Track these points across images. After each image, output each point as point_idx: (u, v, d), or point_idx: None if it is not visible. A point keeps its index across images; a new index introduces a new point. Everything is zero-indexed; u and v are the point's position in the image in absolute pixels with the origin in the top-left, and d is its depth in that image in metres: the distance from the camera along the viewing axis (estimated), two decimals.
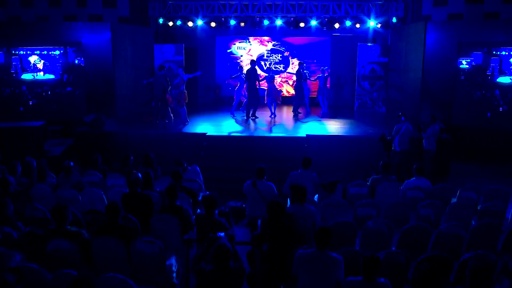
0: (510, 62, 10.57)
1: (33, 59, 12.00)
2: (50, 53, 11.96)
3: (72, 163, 6.59)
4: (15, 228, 4.84)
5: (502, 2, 12.92)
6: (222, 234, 4.18)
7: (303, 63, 13.22)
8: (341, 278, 3.86)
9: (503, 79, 10.65)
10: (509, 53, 10.54)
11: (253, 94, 12.03)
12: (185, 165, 7.09)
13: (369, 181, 6.75)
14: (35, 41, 12.04)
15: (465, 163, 10.20)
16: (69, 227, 4.67)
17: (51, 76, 11.97)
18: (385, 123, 11.57)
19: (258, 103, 12.38)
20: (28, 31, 12.38)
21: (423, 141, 9.13)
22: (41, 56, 11.92)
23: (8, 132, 9.91)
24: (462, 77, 10.90)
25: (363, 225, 5.05)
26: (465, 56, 10.90)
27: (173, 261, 4.99)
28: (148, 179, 5.91)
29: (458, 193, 6.32)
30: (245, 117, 12.27)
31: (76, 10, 15.00)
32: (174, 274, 5.01)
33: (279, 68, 15.85)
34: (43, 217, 5.49)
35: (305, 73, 12.98)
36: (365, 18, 14.48)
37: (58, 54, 11.95)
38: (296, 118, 12.67)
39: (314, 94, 13.82)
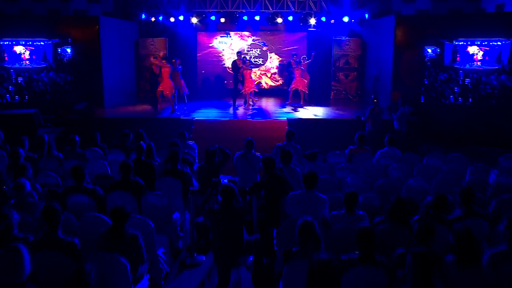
0: (466, 51, 11.67)
1: (19, 49, 12.32)
2: (38, 43, 12.32)
3: (77, 137, 7.11)
4: (35, 189, 5.39)
5: (464, 0, 14.09)
6: (225, 180, 4.87)
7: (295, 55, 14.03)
8: (327, 215, 4.60)
9: (461, 65, 11.73)
10: (466, 44, 11.61)
11: (234, 84, 12.90)
12: (187, 136, 7.78)
13: (347, 151, 7.55)
14: (23, 33, 12.36)
15: (432, 143, 11.12)
16: (86, 184, 5.26)
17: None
18: (359, 109, 12.51)
19: (237, 92, 13.25)
20: (17, 23, 12.67)
21: (394, 122, 10.05)
22: (27, 46, 12.25)
23: (3, 119, 10.28)
24: (428, 64, 11.88)
25: (341, 183, 5.83)
26: (430, 45, 11.88)
27: (177, 215, 5.65)
28: (151, 149, 6.54)
29: (424, 159, 7.18)
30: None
31: (60, 5, 15.35)
32: (179, 228, 5.68)
33: (258, 62, 16.57)
34: (55, 182, 6.04)
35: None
36: (339, 14, 15.41)
37: (46, 45, 12.31)
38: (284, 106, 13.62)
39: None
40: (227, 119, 11.32)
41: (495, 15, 13.61)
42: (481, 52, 11.53)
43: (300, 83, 13.18)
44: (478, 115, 11.36)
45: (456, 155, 7.33)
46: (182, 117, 11.16)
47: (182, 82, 12.28)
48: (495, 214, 4.75)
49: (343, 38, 15.44)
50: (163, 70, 11.74)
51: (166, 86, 11.66)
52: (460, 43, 11.74)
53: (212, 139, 10.27)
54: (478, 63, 11.52)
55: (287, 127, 10.41)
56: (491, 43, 11.41)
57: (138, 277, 3.96)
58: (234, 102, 13.43)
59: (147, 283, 4.17)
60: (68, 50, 12.40)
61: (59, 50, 12.36)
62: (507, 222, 3.52)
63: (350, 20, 15.18)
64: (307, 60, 13.40)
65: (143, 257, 3.94)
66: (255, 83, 14.35)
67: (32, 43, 12.29)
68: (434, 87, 11.84)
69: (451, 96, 11.70)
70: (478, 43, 11.49)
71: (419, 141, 10.54)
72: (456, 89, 11.68)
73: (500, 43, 11.30)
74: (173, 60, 12.26)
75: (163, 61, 12.00)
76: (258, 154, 7.01)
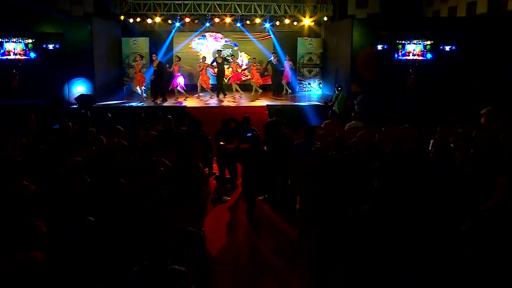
0: (406, 47, 14.15)
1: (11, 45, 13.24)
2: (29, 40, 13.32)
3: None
4: None
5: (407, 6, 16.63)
6: (249, 133, 6.66)
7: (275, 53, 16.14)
8: None
9: (404, 58, 14.24)
10: (406, 42, 14.15)
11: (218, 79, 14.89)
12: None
13: (323, 125, 9.56)
14: (18, 31, 13.36)
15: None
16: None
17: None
18: (321, 99, 14.70)
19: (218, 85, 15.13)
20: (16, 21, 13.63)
21: (355, 106, 12.20)
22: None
23: (13, 109, 11.43)
24: (379, 58, 14.19)
25: None
26: (380, 43, 14.20)
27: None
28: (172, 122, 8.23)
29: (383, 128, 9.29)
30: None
31: (45, 5, 16.27)
32: None
33: (231, 60, 18.30)
34: None
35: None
36: (301, 17, 17.53)
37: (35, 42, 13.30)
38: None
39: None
40: (214, 106, 13.07)
41: (427, 20, 16.32)
42: (418, 48, 14.13)
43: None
44: (419, 98, 13.77)
45: (405, 126, 9.49)
46: (177, 105, 12.77)
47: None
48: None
49: (306, 38, 17.54)
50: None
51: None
52: (402, 42, 14.20)
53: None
54: (416, 57, 14.09)
55: (266, 112, 12.38)
56: (423, 42, 14.05)
57: None
58: (218, 94, 15.14)
59: None
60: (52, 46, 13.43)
61: (57, 46, 13.39)
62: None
63: (310, 22, 17.36)
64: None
65: None
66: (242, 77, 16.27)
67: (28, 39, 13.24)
68: (385, 77, 14.16)
69: (398, 84, 14.12)
70: (415, 41, 14.05)
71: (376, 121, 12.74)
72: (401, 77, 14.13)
73: (429, 42, 14.02)
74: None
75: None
76: (253, 128, 8.90)
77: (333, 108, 11.92)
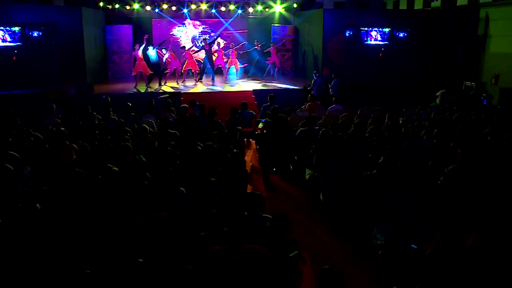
0: (370, 34, 16.02)
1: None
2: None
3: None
4: None
5: None
6: (263, 120, 8.22)
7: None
8: None
9: (369, 42, 16.11)
10: (369, 29, 16.01)
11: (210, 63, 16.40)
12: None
13: (307, 106, 11.24)
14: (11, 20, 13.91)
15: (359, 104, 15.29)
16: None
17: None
18: (294, 81, 16.53)
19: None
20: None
21: (330, 89, 13.98)
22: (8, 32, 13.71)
23: (21, 98, 12.27)
24: (348, 43, 15.95)
25: None
26: (348, 30, 15.94)
27: None
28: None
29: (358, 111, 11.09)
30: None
31: None
32: None
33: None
34: None
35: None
36: (272, 3, 18.92)
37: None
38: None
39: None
40: (207, 91, 14.42)
41: (387, 11, 18.26)
42: (379, 35, 16.04)
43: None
44: (384, 80, 15.72)
45: (378, 108, 11.35)
46: (173, 91, 13.98)
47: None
48: None
49: (280, 25, 18.99)
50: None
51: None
52: (366, 29, 16.04)
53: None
54: (378, 41, 16.01)
55: (253, 96, 13.90)
56: (383, 29, 15.97)
57: None
58: (213, 78, 16.52)
59: None
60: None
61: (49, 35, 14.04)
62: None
63: (281, 9, 18.80)
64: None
65: None
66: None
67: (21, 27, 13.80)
68: (354, 60, 15.98)
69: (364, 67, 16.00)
70: (376, 29, 15.95)
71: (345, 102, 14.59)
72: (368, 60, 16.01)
73: (386, 30, 16.02)
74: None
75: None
76: (252, 111, 10.44)
77: (312, 92, 13.61)
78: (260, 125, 9.16)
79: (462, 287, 3.55)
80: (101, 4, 17.49)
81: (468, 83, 14.33)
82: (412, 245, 4.17)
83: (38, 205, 4.18)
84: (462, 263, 3.65)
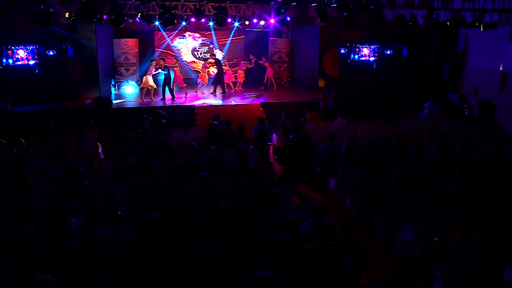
0: (362, 50, 17.58)
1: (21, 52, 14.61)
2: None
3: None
4: None
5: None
6: (292, 135, 9.56)
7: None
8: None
9: (360, 60, 17.66)
10: (362, 46, 17.54)
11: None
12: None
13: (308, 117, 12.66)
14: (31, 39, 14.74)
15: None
16: None
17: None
18: (291, 93, 17.91)
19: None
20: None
21: (329, 102, 15.44)
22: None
23: (46, 114, 13.19)
24: (342, 59, 17.45)
25: None
26: (342, 47, 17.45)
27: None
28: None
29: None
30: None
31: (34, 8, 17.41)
32: None
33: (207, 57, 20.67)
34: None
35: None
36: (267, 17, 20.22)
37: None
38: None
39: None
40: (219, 104, 15.61)
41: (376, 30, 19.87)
42: (368, 51, 17.64)
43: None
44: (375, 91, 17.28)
45: (375, 120, 12.84)
46: (183, 104, 15.13)
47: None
48: None
49: (276, 39, 20.32)
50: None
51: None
52: (358, 45, 17.61)
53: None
54: (368, 57, 17.59)
55: (261, 108, 15.20)
56: (371, 46, 17.57)
57: None
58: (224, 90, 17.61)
59: None
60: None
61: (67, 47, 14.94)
62: None
63: (275, 22, 20.04)
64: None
65: None
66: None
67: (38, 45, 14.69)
68: (347, 75, 17.50)
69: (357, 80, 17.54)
70: (367, 45, 17.53)
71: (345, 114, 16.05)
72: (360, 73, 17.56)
73: (375, 46, 17.63)
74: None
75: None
76: (268, 126, 11.79)
77: (319, 105, 15.04)
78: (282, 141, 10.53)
79: (475, 269, 4.99)
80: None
81: (451, 95, 16.09)
82: (435, 238, 5.58)
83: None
84: (474, 251, 5.11)
